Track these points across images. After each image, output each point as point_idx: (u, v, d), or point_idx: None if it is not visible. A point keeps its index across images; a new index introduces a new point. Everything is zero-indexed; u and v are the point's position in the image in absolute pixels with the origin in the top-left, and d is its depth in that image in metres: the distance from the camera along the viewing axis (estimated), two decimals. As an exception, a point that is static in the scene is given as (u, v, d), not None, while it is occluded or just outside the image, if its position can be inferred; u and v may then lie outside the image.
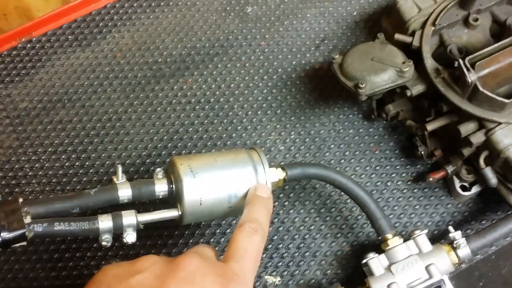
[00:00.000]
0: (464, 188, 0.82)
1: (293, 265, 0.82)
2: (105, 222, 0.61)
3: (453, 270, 0.73)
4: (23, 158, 0.90)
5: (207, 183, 0.65)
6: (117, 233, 0.62)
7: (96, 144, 0.91)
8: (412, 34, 0.82)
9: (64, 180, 0.88)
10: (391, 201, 0.86)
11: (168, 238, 0.83)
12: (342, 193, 0.78)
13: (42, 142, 0.91)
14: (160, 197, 0.67)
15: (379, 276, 0.71)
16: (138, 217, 0.63)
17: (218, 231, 0.84)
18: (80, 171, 0.89)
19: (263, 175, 0.68)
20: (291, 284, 0.81)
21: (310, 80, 0.96)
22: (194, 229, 0.84)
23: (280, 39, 1.00)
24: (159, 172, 0.67)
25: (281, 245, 0.83)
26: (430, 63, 0.79)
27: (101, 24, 1.03)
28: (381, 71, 0.78)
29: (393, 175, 0.87)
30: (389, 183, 0.87)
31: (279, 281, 0.81)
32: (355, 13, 1.02)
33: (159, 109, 0.94)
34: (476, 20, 0.81)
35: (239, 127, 0.92)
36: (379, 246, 0.75)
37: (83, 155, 0.90)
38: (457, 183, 0.82)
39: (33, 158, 0.90)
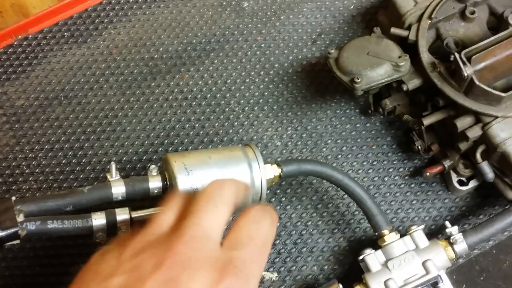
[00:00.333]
0: (461, 183, 0.82)
1: (290, 261, 0.82)
2: (98, 220, 0.61)
3: (450, 266, 0.73)
4: (20, 156, 0.90)
5: (201, 180, 0.65)
6: (111, 230, 0.62)
7: (93, 141, 0.91)
8: (409, 28, 0.82)
9: (61, 177, 0.88)
10: (388, 196, 0.85)
11: (165, 235, 0.83)
12: (339, 188, 0.78)
13: (39, 140, 0.91)
14: (155, 194, 0.67)
15: (376, 272, 0.71)
16: (132, 214, 0.63)
17: (214, 227, 0.84)
18: (77, 168, 0.89)
19: (258, 172, 0.68)
20: (288, 280, 0.81)
21: (307, 75, 0.95)
22: (191, 225, 0.84)
23: (277, 34, 1.00)
24: (154, 169, 0.67)
25: (278, 241, 0.83)
26: (426, 57, 0.78)
27: (97, 20, 1.02)
28: (377, 65, 0.77)
29: (390, 170, 0.87)
30: (386, 178, 0.86)
31: (276, 277, 0.81)
32: (352, 7, 1.01)
33: (155, 105, 0.94)
34: (473, 13, 0.80)
35: (236, 123, 0.92)
36: (376, 242, 0.75)
37: (80, 152, 0.90)
38: (455, 178, 0.82)
39: (30, 155, 0.90)
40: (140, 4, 1.04)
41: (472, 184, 0.81)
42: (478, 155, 0.75)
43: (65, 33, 1.02)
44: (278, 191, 0.86)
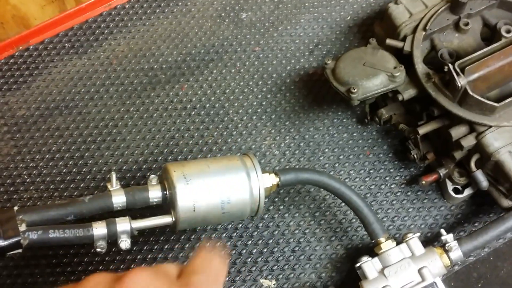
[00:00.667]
0: (456, 191, 0.83)
1: (288, 269, 0.82)
2: (99, 229, 0.62)
3: (445, 273, 0.74)
4: (21, 165, 0.91)
5: (200, 189, 0.66)
6: (112, 239, 0.63)
7: (93, 150, 0.92)
8: (404, 39, 0.83)
9: (61, 186, 0.89)
10: (385, 204, 0.86)
11: (165, 243, 0.84)
12: (336, 197, 0.79)
13: (39, 149, 0.92)
14: (154, 203, 0.68)
15: (372, 279, 0.72)
16: (132, 224, 0.64)
17: (213, 235, 0.85)
18: (78, 177, 0.90)
19: (256, 181, 0.69)
20: (286, 287, 0.81)
21: (304, 85, 0.97)
22: (190, 233, 0.85)
23: (274, 45, 1.01)
24: (153, 179, 0.68)
25: (276, 249, 0.84)
26: (421, 67, 0.79)
27: (97, 31, 1.04)
28: (373, 76, 0.78)
29: (387, 178, 0.88)
30: (382, 186, 0.88)
31: (274, 284, 0.82)
32: (348, 18, 1.03)
33: (155, 115, 0.95)
34: (467, 24, 0.82)
35: (234, 132, 0.93)
36: (373, 249, 0.76)
37: (80, 162, 0.91)
38: (450, 186, 0.83)
39: (31, 165, 0.91)
40: (139, 15, 1.05)
41: (467, 192, 0.83)
42: (472, 164, 0.76)
43: (66, 44, 1.03)
44: (276, 199, 0.87)
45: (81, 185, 0.89)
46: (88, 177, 0.90)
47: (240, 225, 0.85)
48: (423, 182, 0.81)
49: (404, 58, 0.81)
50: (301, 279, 0.82)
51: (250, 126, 0.94)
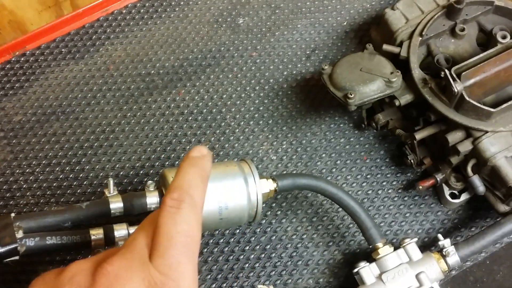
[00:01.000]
0: (453, 196, 0.83)
1: (286, 274, 0.82)
2: (96, 236, 0.62)
3: (443, 278, 0.74)
4: (17, 171, 0.91)
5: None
6: (109, 246, 0.63)
7: (90, 156, 0.92)
8: (400, 44, 0.83)
9: (58, 192, 0.89)
10: (382, 209, 0.87)
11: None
12: (334, 202, 0.79)
13: (36, 155, 0.92)
14: (152, 209, 0.68)
15: (370, 285, 0.72)
16: (130, 230, 0.64)
17: (211, 241, 0.85)
18: (74, 183, 0.90)
19: (253, 187, 0.69)
20: (284, 293, 0.81)
21: (301, 90, 0.97)
22: (188, 239, 0.85)
23: (271, 50, 1.01)
24: (151, 185, 0.68)
25: (274, 254, 0.84)
26: (417, 73, 0.80)
27: (94, 36, 1.04)
28: (370, 81, 0.79)
29: (384, 183, 0.88)
30: (380, 192, 0.88)
31: (272, 290, 0.82)
32: (345, 23, 1.03)
33: (152, 120, 0.95)
34: (463, 30, 0.82)
35: (232, 138, 0.93)
36: (370, 255, 0.76)
37: (77, 167, 0.91)
38: (447, 191, 0.83)
39: (27, 170, 0.91)
40: (137, 20, 1.05)
41: (464, 197, 0.83)
42: (469, 169, 0.77)
43: (63, 49, 1.03)
44: (274, 204, 0.87)
45: (78, 191, 0.89)
46: (85, 183, 0.90)
47: (238, 231, 0.85)
48: (420, 187, 0.81)
49: (401, 64, 0.82)
50: (298, 284, 0.82)
51: (248, 131, 0.94)
